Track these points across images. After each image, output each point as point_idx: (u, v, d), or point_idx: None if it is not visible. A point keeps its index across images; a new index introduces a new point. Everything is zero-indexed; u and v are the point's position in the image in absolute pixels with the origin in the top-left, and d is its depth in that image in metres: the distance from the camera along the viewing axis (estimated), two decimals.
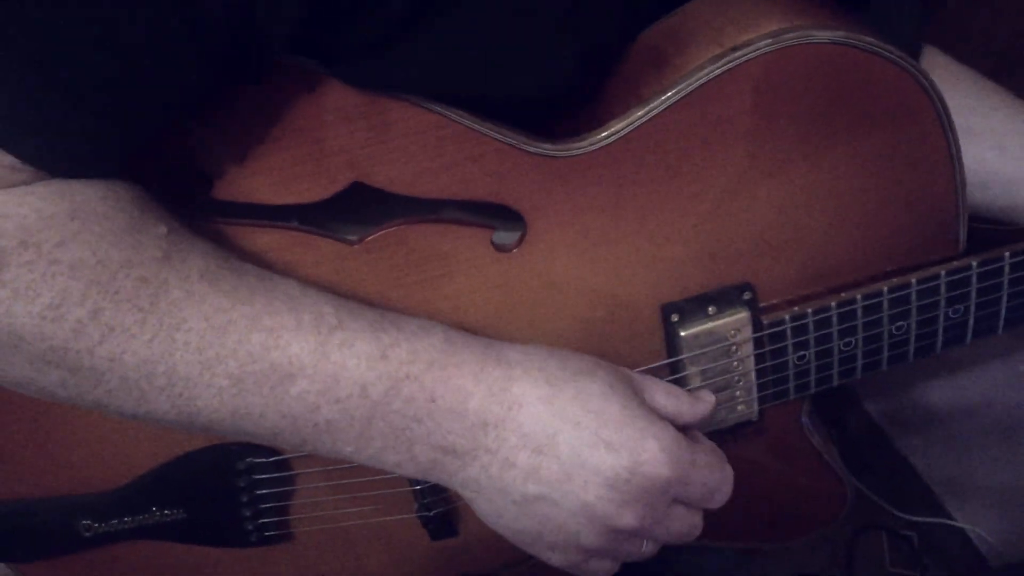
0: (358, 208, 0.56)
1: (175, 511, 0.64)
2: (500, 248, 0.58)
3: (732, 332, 0.62)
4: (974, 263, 0.63)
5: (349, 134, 0.54)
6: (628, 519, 0.54)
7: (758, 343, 0.63)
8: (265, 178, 0.54)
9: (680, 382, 0.63)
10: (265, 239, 0.56)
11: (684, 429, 0.58)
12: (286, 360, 0.49)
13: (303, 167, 0.54)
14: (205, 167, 0.54)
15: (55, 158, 0.46)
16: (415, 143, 0.55)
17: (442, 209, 0.57)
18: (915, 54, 0.71)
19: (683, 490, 0.56)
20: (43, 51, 0.42)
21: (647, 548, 0.58)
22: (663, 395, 0.57)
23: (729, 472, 0.59)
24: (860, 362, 0.66)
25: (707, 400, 0.59)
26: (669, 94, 0.55)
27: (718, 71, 0.55)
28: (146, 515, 0.64)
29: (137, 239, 0.48)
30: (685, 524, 0.58)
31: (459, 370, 0.52)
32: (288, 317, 0.50)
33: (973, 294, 0.65)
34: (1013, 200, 0.72)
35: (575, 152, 0.56)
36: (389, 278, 0.58)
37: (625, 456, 0.53)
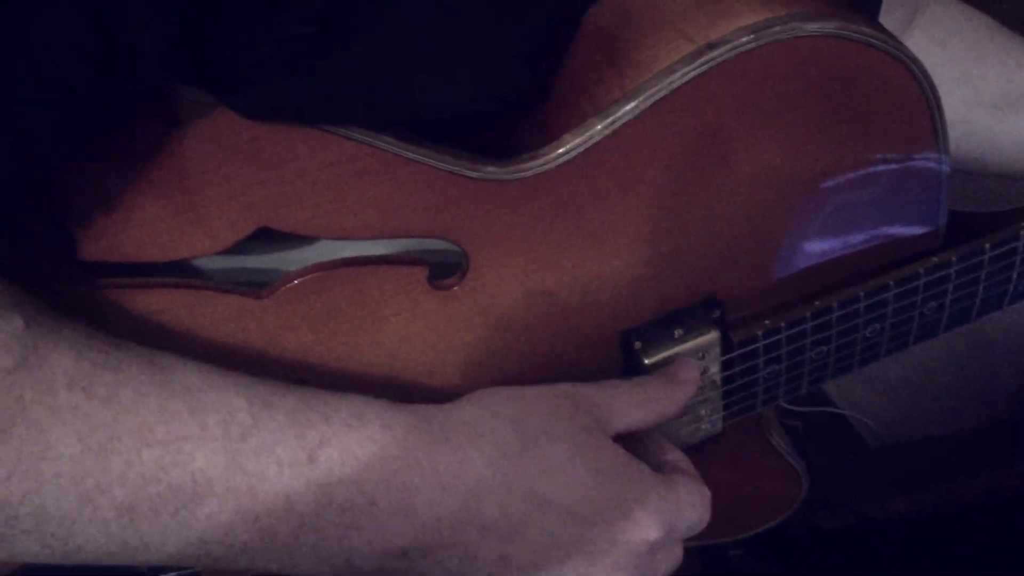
0: (267, 257, 0.46)
1: None
2: (438, 286, 0.49)
3: (700, 355, 0.55)
4: (954, 258, 0.58)
5: (249, 173, 0.44)
6: None
7: (727, 364, 0.57)
8: (144, 231, 0.44)
9: None
10: (153, 300, 0.45)
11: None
12: (189, 479, 0.39)
13: (193, 214, 0.44)
14: (68, 224, 0.43)
15: None
16: (330, 177, 0.45)
17: (368, 249, 0.47)
18: None
19: (670, 539, 0.50)
20: None
21: None
22: (635, 407, 0.51)
23: (708, 497, 0.52)
24: (832, 368, 0.60)
25: (687, 377, 0.53)
26: (633, 104, 0.46)
27: (692, 74, 0.46)
28: None
29: None
30: (672, 562, 0.52)
31: (402, 463, 0.43)
32: (189, 422, 0.40)
33: (951, 289, 0.59)
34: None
35: (524, 174, 0.47)
36: (308, 333, 0.48)
37: (604, 528, 0.46)
